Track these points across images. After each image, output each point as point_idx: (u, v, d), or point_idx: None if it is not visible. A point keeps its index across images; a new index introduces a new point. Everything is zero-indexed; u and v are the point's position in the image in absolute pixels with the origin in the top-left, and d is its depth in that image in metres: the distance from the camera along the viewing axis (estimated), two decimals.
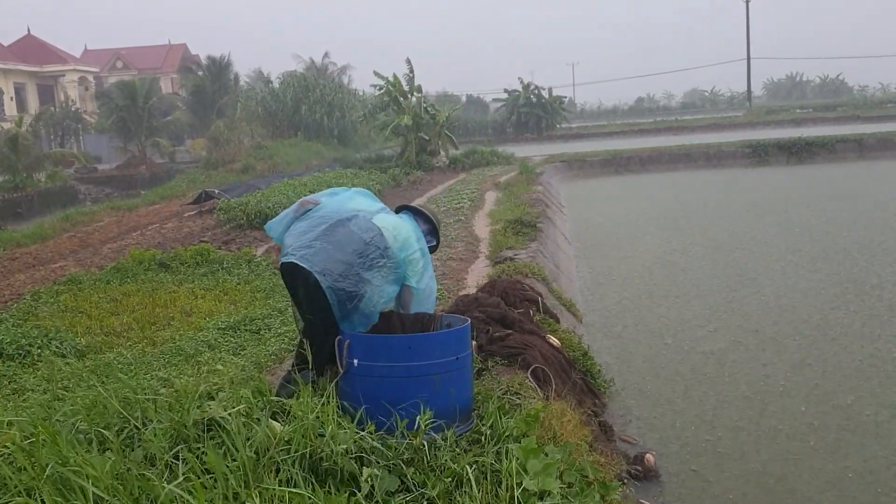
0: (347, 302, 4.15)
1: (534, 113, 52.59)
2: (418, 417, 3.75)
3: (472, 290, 8.04)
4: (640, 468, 4.79)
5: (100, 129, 45.27)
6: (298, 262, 4.15)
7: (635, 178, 25.25)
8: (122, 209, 20.06)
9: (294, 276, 4.23)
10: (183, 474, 3.19)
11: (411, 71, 26.90)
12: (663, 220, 15.86)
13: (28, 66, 52.16)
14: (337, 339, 4.15)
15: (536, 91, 53.27)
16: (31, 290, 9.92)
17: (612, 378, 6.46)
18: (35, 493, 3.09)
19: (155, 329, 8.03)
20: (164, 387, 5.98)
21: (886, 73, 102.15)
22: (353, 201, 4.61)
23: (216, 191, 18.27)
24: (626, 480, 4.53)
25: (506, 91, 55.21)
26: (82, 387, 5.85)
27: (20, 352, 7.04)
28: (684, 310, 9.21)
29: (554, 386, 4.83)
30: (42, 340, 7.27)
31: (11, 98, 49.73)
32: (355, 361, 4.04)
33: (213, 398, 3.87)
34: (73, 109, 47.43)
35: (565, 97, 59.46)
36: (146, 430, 3.59)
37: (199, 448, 3.41)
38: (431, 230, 4.81)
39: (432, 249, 4.78)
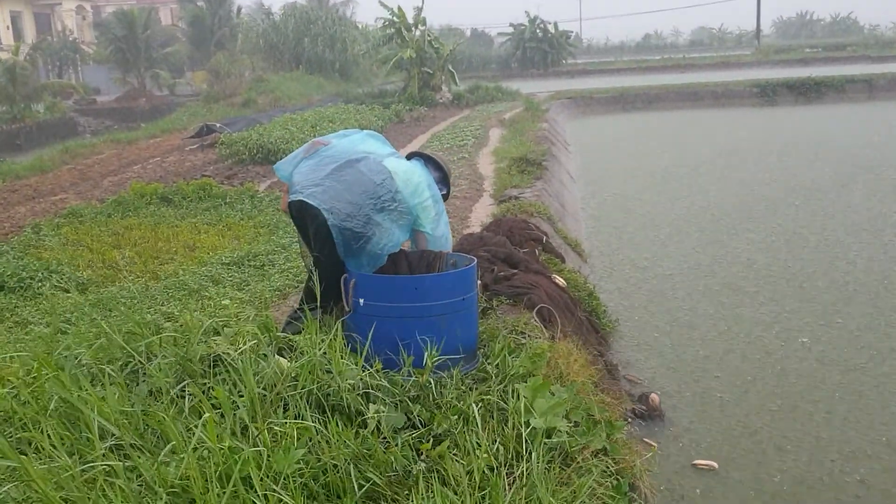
0: (353, 242, 4.09)
1: (540, 48, 51.78)
2: (425, 355, 3.73)
3: (477, 229, 7.98)
4: (644, 407, 4.80)
5: (98, 59, 44.59)
6: (306, 200, 4.09)
7: (642, 115, 24.96)
8: (122, 142, 19.86)
9: (303, 214, 4.17)
10: (189, 408, 3.18)
11: (421, 3, 26.34)
12: (671, 160, 15.70)
13: None
14: (343, 277, 4.10)
15: (543, 25, 52.35)
16: (32, 223, 9.87)
17: (617, 318, 6.45)
18: (40, 427, 3.09)
19: (158, 263, 8.00)
20: (168, 321, 6.01)
21: None
22: (365, 143, 4.53)
23: (218, 125, 18.08)
24: (630, 419, 4.54)
25: (511, 25, 54.29)
26: (85, 321, 5.85)
27: (21, 284, 7.02)
28: (691, 250, 9.16)
29: (560, 326, 4.80)
30: (43, 273, 7.26)
31: (8, 27, 48.80)
32: (361, 301, 4.00)
33: (218, 333, 3.85)
34: (70, 39, 46.72)
35: (571, 32, 58.38)
36: (151, 364, 3.57)
37: (205, 383, 3.40)
38: (442, 178, 4.73)
39: (444, 198, 4.72)
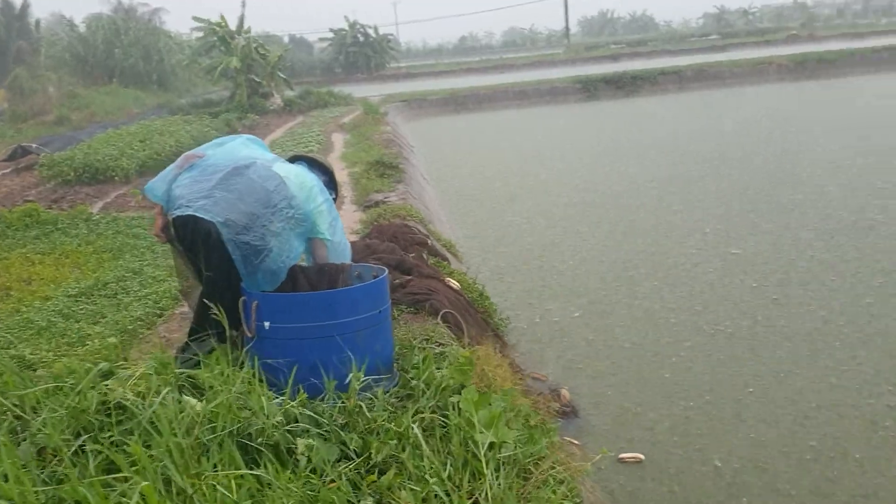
0: (253, 257, 3.73)
1: (362, 52, 51.71)
2: (350, 377, 3.44)
3: (348, 236, 7.68)
4: (557, 404, 4.73)
5: None
6: (198, 214, 3.66)
7: (476, 115, 25.43)
8: None
9: (192, 231, 3.73)
10: (96, 467, 2.73)
11: (243, 8, 25.45)
12: (513, 154, 16.05)
13: None
14: (241, 300, 3.72)
15: (363, 30, 52.26)
16: None
17: (507, 317, 6.38)
18: None
19: None
20: (20, 365, 5.30)
21: (688, 9, 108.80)
22: (247, 149, 4.14)
23: (34, 145, 16.54)
24: (547, 416, 4.45)
25: (332, 31, 53.78)
26: None
27: None
28: (556, 236, 9.39)
29: (466, 330, 4.64)
30: None
31: None
32: (266, 324, 3.64)
33: (108, 377, 3.37)
34: None
35: (391, 35, 58.75)
36: (36, 419, 3.06)
37: (108, 437, 2.94)
38: (329, 181, 4.43)
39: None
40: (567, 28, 73.50)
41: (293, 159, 4.40)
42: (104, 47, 35.07)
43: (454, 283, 5.52)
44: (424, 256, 5.91)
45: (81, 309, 6.56)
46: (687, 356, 5.82)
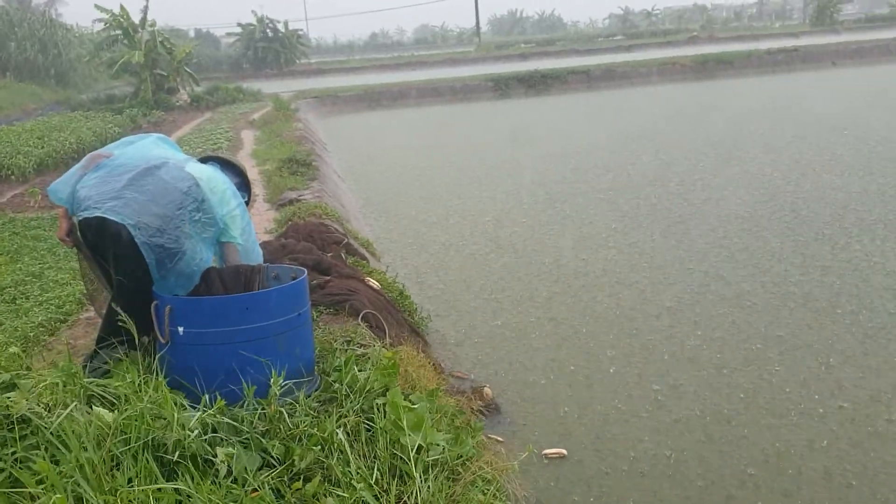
0: (167, 260, 3.56)
1: (272, 48, 50.76)
2: (270, 382, 3.33)
3: (261, 235, 7.49)
4: (479, 402, 4.72)
5: None
6: (107, 216, 3.47)
7: (389, 112, 25.32)
8: None
9: (101, 234, 3.54)
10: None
11: (146, 3, 24.54)
12: (427, 154, 16.04)
13: None
14: (154, 304, 3.56)
15: (272, 25, 51.32)
16: None
17: (428, 315, 6.34)
18: None
19: None
20: None
21: (594, 10, 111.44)
22: (158, 149, 3.95)
23: None
24: (471, 415, 4.43)
25: (239, 25, 52.61)
26: None
27: None
28: (468, 235, 9.44)
29: (387, 330, 4.58)
30: None
31: None
32: (181, 329, 3.49)
33: (10, 389, 3.16)
34: None
35: (301, 30, 57.89)
36: None
37: (10, 453, 2.75)
38: (242, 184, 4.27)
39: (245, 205, 4.29)
40: (478, 26, 73.99)
41: (205, 160, 4.23)
42: None
43: (374, 283, 5.45)
44: (343, 256, 5.81)
45: None
46: (605, 353, 5.91)
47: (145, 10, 24.61)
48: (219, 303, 3.60)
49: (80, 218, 3.58)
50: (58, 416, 2.83)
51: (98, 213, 3.48)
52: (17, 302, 6.55)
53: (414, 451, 2.99)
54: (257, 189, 9.95)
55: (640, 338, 6.13)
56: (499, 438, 4.38)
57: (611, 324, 6.45)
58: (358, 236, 7.84)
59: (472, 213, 10.61)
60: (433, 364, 5.01)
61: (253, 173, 11.28)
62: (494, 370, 5.63)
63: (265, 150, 13.02)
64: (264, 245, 5.95)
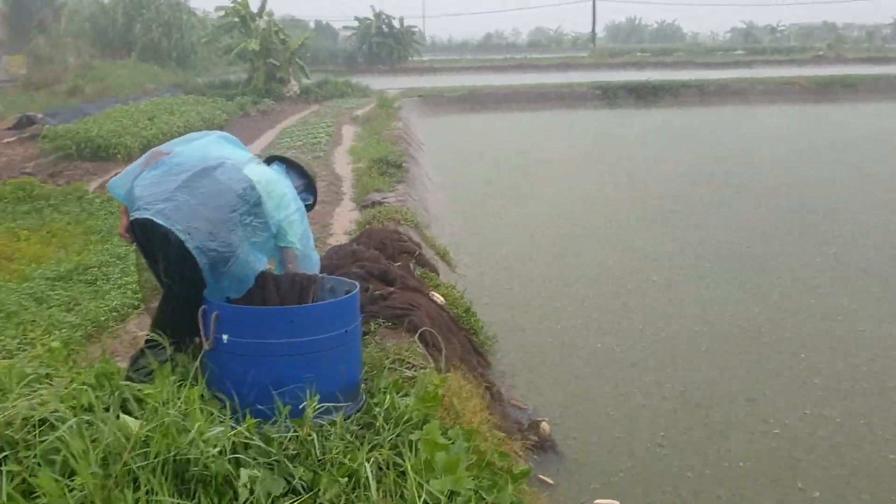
0: (220, 264, 3.46)
1: (386, 43, 51.27)
2: (304, 403, 3.19)
3: (340, 237, 7.45)
4: (536, 438, 4.46)
5: None
6: (154, 219, 3.40)
7: (493, 115, 25.10)
8: None
9: (150, 235, 3.48)
10: (8, 496, 2.49)
11: None
12: (526, 161, 15.73)
13: None
14: (201, 309, 3.47)
15: (388, 21, 51.87)
16: None
17: (494, 334, 6.10)
18: None
19: None
20: None
21: (716, 22, 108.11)
22: (218, 147, 3.86)
23: (40, 115, 16.36)
24: (521, 453, 4.19)
25: (357, 19, 53.38)
26: None
27: None
28: (556, 255, 9.07)
29: (444, 352, 4.38)
30: None
31: None
32: (225, 337, 3.39)
33: (45, 380, 3.14)
34: None
35: (416, 28, 58.36)
36: None
37: (29, 456, 2.70)
38: (307, 185, 4.16)
39: (309, 208, 4.16)
40: (593, 32, 73.07)
41: (270, 160, 4.14)
42: (124, 20, 34.91)
43: (439, 298, 5.26)
44: (412, 267, 5.66)
45: (57, 294, 6.36)
46: (688, 403, 5.45)
47: (264, 1, 25.23)
48: (265, 313, 3.49)
49: (132, 217, 3.53)
50: (81, 423, 2.76)
51: (147, 215, 3.42)
52: (98, 283, 6.70)
53: (445, 496, 2.78)
54: (346, 188, 9.95)
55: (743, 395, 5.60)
56: (549, 481, 4.12)
57: (708, 377, 5.85)
58: (435, 244, 7.67)
59: (564, 229, 10.25)
60: (490, 390, 4.79)
61: (345, 170, 11.32)
62: (558, 403, 5.32)
63: (362, 148, 13.05)
64: (336, 249, 5.88)
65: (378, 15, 51.65)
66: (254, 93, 23.62)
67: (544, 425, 4.62)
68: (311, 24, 70.24)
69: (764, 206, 11.36)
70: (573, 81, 30.67)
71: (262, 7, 25.52)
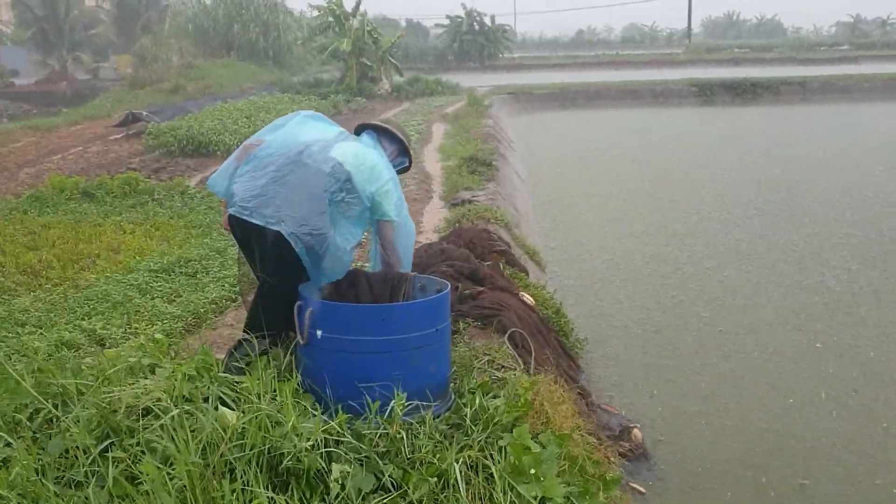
0: (317, 247, 3.49)
1: (476, 41, 51.37)
2: (392, 402, 3.21)
3: (430, 235, 7.49)
4: (627, 444, 4.38)
5: (17, 40, 42.27)
6: (250, 219, 3.50)
7: (583, 113, 24.79)
8: (40, 129, 18.61)
9: (246, 230, 3.57)
10: (112, 482, 2.60)
11: None
12: (618, 160, 15.47)
13: None
14: (297, 305, 3.54)
15: (479, 18, 51.94)
16: None
17: (585, 337, 6.02)
18: None
19: (78, 268, 7.26)
20: (89, 340, 5.35)
21: (820, 16, 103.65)
22: (305, 129, 3.85)
23: (144, 112, 17.08)
24: (613, 460, 4.11)
25: (448, 17, 53.68)
26: None
27: None
28: (648, 255, 8.86)
29: (534, 353, 4.34)
30: None
31: None
32: (319, 333, 3.45)
33: (148, 372, 3.26)
34: None
35: (508, 26, 58.23)
36: (67, 417, 2.97)
37: (132, 445, 2.81)
38: (401, 149, 4.10)
39: (404, 170, 4.16)
40: (689, 27, 71.08)
41: (360, 128, 4.12)
42: (224, 21, 36.06)
43: (528, 299, 5.22)
44: (501, 266, 5.63)
45: (160, 285, 6.61)
46: (793, 408, 5.27)
47: (358, 1, 25.63)
48: (359, 310, 3.53)
49: (229, 213, 3.63)
50: (181, 414, 2.86)
51: (244, 214, 3.51)
52: (198, 276, 6.93)
53: (536, 502, 2.75)
54: (435, 186, 9.99)
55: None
56: (641, 489, 4.03)
57: (811, 383, 5.65)
58: (525, 244, 7.62)
59: (655, 230, 10.03)
60: (581, 393, 4.72)
61: (435, 168, 11.38)
62: (650, 409, 5.21)
63: (451, 146, 13.10)
64: (426, 248, 5.90)
65: (469, 13, 51.78)
66: (347, 91, 24.03)
67: (636, 432, 4.53)
68: (402, 23, 71.05)
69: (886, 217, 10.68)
70: (668, 78, 29.94)
71: (356, 7, 25.92)
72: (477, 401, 3.42)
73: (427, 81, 26.96)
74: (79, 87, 33.79)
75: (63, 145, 15.95)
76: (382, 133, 4.08)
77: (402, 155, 4.10)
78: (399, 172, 4.07)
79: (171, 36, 36.86)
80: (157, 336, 3.49)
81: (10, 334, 5.44)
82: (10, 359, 5.05)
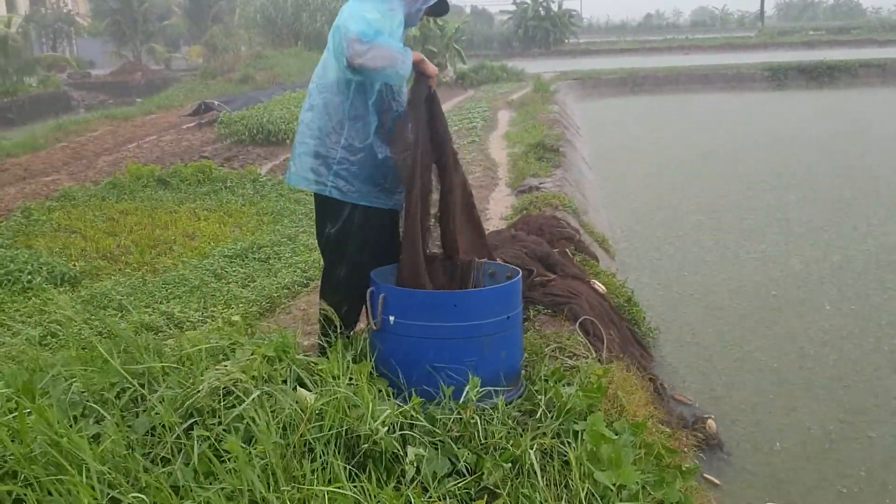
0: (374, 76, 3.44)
1: (542, 27, 50.95)
2: (466, 387, 3.22)
3: (497, 222, 7.47)
4: (701, 435, 4.31)
5: (93, 32, 43.69)
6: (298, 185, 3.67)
7: (652, 98, 24.35)
8: (117, 118, 19.21)
9: (316, 204, 3.73)
10: (198, 459, 2.68)
11: None
12: (689, 145, 15.16)
13: None
14: (369, 291, 3.58)
15: (545, 3, 51.46)
16: (22, 206, 9.31)
17: (657, 326, 5.93)
18: (21, 476, 2.59)
19: (155, 254, 7.50)
20: (168, 322, 5.52)
21: None
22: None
23: (216, 102, 17.47)
24: (687, 450, 4.06)
25: (514, 3, 53.34)
26: (77, 321, 5.38)
27: (9, 278, 6.49)
28: (719, 243, 8.67)
29: (605, 342, 4.30)
30: (33, 265, 6.71)
31: None
32: (391, 319, 3.48)
33: (229, 356, 3.34)
34: (65, 11, 45.66)
35: (574, 10, 57.52)
36: (152, 396, 3.06)
37: (215, 423, 2.89)
38: None
39: (439, 10, 3.77)
40: (762, 9, 69.22)
41: None
42: (292, 10, 36.51)
43: (600, 286, 5.17)
44: (570, 253, 5.59)
45: (234, 270, 6.76)
46: (883, 405, 5.08)
47: None
48: (430, 296, 3.54)
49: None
50: (262, 396, 2.92)
51: (296, 183, 3.64)
52: (270, 262, 7.07)
53: (614, 493, 2.73)
54: (501, 173, 9.94)
55: None
56: (716, 481, 3.96)
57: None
58: (594, 231, 7.54)
59: (728, 217, 9.79)
60: (653, 382, 4.66)
61: (501, 156, 11.33)
62: (726, 398, 5.10)
63: (517, 133, 13.02)
64: (495, 233, 5.89)
65: None
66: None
67: (711, 422, 4.45)
68: (468, 10, 70.86)
69: None
70: (740, 62, 29.14)
71: None
72: (551, 388, 3.41)
73: (492, 68, 26.84)
74: (152, 78, 34.79)
75: (138, 134, 16.42)
76: None
77: None
78: (433, 13, 3.76)
79: (241, 26, 37.53)
80: (234, 318, 3.57)
81: (94, 317, 5.63)
82: (97, 340, 5.31)
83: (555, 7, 51.50)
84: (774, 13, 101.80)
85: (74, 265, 7.07)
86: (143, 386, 3.25)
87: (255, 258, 7.17)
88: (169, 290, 6.24)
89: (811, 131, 16.53)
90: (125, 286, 6.38)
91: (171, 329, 5.41)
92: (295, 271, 6.65)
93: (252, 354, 3.26)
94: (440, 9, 3.78)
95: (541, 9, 51.30)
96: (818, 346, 5.93)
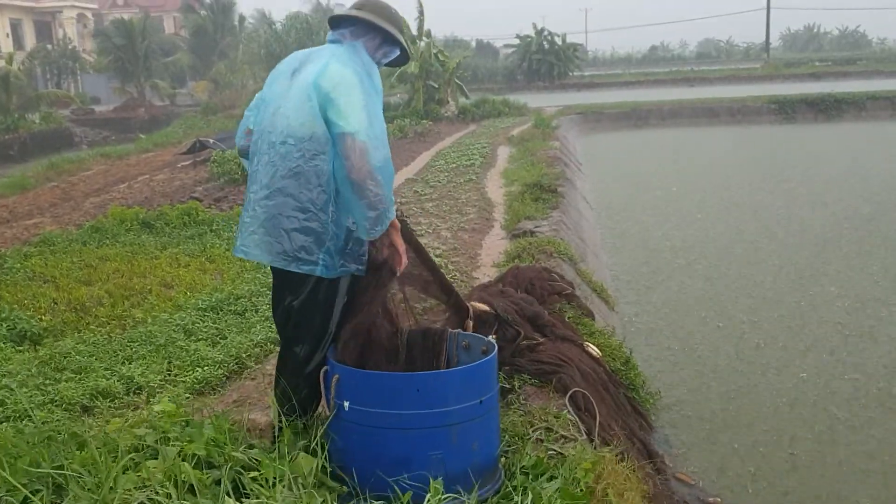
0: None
1: (546, 60, 50.92)
2: (427, 495, 2.76)
3: (487, 269, 7.04)
4: None
5: (98, 68, 43.81)
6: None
7: (656, 133, 23.98)
8: (112, 157, 18.99)
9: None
10: None
11: (421, 14, 25.49)
12: (694, 185, 14.69)
13: (24, 0, 50.31)
14: (323, 371, 3.15)
15: (550, 37, 51.50)
16: None
17: (658, 390, 5.45)
18: None
19: (129, 305, 7.07)
20: (126, 387, 5.09)
21: None
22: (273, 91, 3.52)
23: (211, 140, 17.20)
24: None
25: (518, 37, 53.47)
26: (29, 388, 4.98)
27: None
28: (729, 295, 8.11)
29: (598, 419, 3.84)
30: None
31: (7, 35, 48.01)
32: (346, 404, 3.04)
33: (155, 455, 2.89)
34: (70, 48, 45.91)
35: (579, 44, 57.57)
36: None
37: None
38: (384, 39, 3.33)
39: (399, 62, 3.50)
40: (767, 41, 69.02)
41: (334, 21, 3.40)
42: (296, 45, 36.45)
43: (594, 350, 4.71)
44: (563, 311, 5.14)
45: (206, 326, 6.34)
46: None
47: (420, 23, 25.50)
48: (389, 379, 3.10)
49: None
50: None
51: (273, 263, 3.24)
52: (246, 314, 6.64)
53: None
54: (497, 214, 9.52)
55: None
56: (689, 480, 3.47)
57: None
58: (591, 280, 7.07)
59: (739, 261, 9.30)
60: (653, 461, 4.18)
61: (497, 195, 10.91)
62: (733, 475, 4.61)
63: (515, 170, 12.62)
64: (482, 287, 5.43)
65: (539, 32, 51.42)
66: (413, 114, 23.85)
67: None
68: (473, 44, 71.17)
69: None
70: (745, 95, 28.79)
71: (421, 28, 25.80)
72: (531, 486, 2.95)
73: (494, 102, 26.60)
74: (156, 113, 34.74)
75: (131, 173, 16.13)
76: (356, 25, 3.30)
77: (386, 44, 3.35)
78: (392, 65, 3.50)
79: (245, 62, 37.53)
80: (164, 407, 3.11)
81: (49, 381, 5.22)
82: (44, 408, 4.89)
83: (559, 41, 51.50)
84: (780, 44, 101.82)
85: (41, 319, 6.65)
86: (56, 487, 2.81)
87: (230, 311, 6.74)
88: (134, 350, 5.82)
89: (824, 169, 15.99)
90: (88, 344, 5.96)
91: (129, 395, 5.02)
92: (270, 326, 6.19)
93: (181, 452, 2.81)
94: (401, 60, 3.50)
95: (545, 42, 51.31)
96: (848, 420, 5.39)
